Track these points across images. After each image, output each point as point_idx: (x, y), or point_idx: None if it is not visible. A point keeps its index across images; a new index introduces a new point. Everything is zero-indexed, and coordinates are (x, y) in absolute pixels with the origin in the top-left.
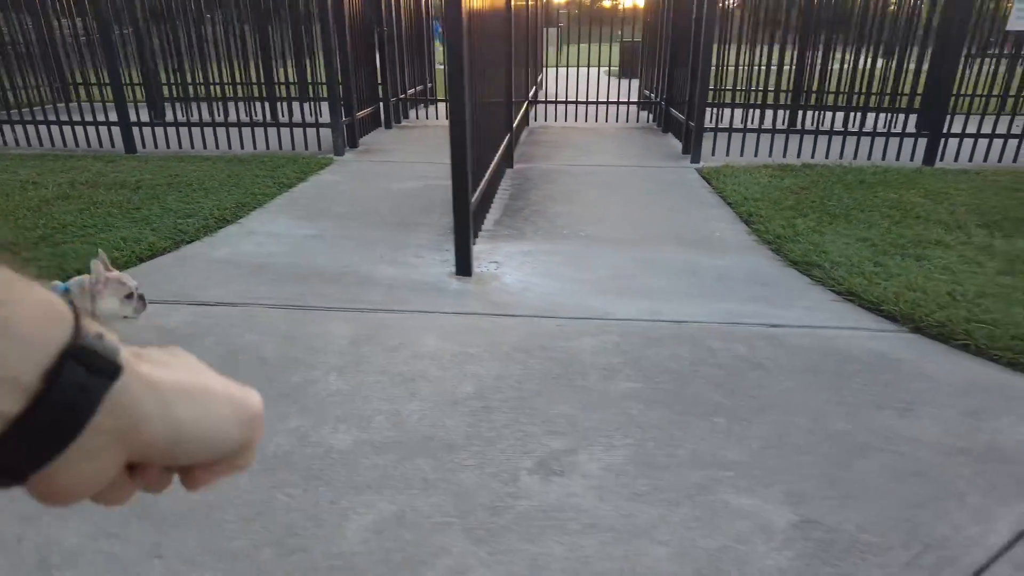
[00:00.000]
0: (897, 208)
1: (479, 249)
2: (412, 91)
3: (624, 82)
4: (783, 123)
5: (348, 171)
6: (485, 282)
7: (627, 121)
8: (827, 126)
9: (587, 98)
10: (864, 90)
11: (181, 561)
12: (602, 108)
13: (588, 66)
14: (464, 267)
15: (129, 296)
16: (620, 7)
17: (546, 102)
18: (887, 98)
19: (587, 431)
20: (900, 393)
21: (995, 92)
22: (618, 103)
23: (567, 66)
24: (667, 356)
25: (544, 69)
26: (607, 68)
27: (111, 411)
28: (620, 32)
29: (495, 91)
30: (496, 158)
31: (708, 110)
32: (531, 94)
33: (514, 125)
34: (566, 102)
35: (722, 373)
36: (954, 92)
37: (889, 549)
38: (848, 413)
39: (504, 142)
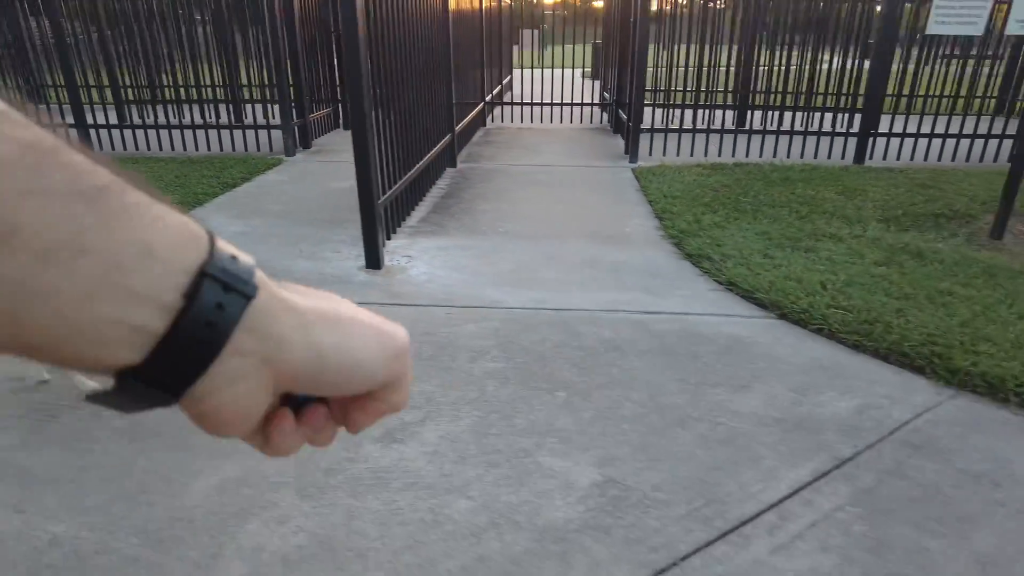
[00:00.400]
0: (808, 204)
1: (397, 244)
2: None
3: (595, 83)
4: (733, 123)
5: (294, 171)
6: (392, 274)
7: (584, 122)
8: (774, 126)
9: (549, 99)
10: (796, 90)
11: (40, 516)
12: (566, 109)
13: (573, 67)
14: (373, 261)
15: None
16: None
17: (502, 103)
18: (829, 98)
19: (440, 405)
20: (741, 372)
21: (919, 93)
22: (571, 104)
23: (551, 67)
24: (536, 340)
25: (520, 70)
26: (585, 70)
27: (251, 331)
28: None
29: (430, 94)
30: (428, 158)
31: (656, 111)
32: (491, 95)
33: (457, 127)
34: (521, 104)
35: (581, 354)
36: (887, 93)
37: (673, 504)
38: (684, 389)
39: (444, 142)
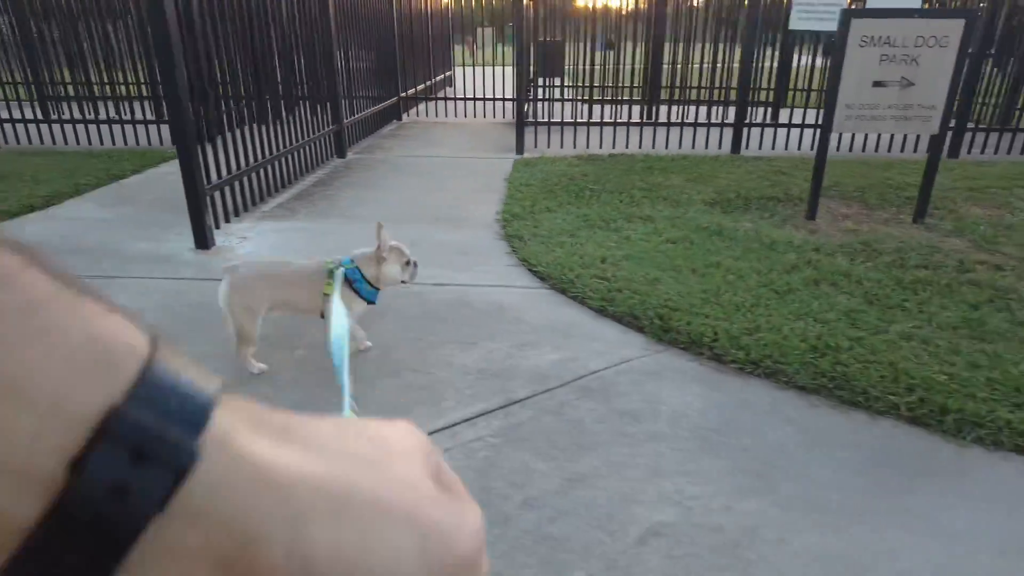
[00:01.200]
0: (648, 190)
1: (240, 226)
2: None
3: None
4: (643, 116)
5: None
6: (220, 254)
7: (506, 117)
8: (669, 119)
9: (491, 95)
10: (671, 84)
11: None
12: (493, 104)
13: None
14: (201, 242)
15: (407, 263)
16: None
17: (417, 98)
18: (713, 92)
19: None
20: (480, 332)
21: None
22: (483, 99)
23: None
24: None
25: (466, 67)
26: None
27: (195, 518)
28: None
29: (303, 88)
30: (289, 148)
31: (561, 105)
32: (408, 91)
33: (348, 119)
34: (435, 99)
35: None
36: (752, 86)
37: None
38: (419, 347)
39: (325, 133)
